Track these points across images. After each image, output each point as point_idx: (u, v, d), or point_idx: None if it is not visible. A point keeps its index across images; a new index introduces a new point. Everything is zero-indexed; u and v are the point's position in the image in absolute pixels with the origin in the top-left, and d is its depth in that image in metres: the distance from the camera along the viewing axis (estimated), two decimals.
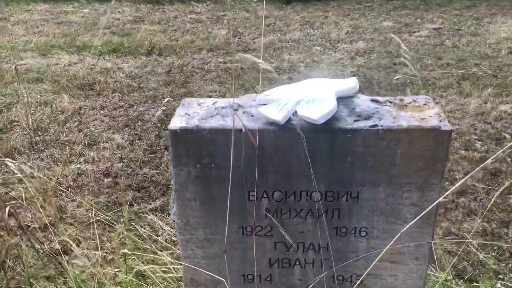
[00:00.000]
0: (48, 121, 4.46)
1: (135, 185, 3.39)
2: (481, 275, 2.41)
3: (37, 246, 2.47)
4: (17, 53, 6.35)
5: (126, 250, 1.76)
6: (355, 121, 1.21)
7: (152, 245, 2.08)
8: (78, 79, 5.47)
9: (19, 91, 5.13)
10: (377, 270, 1.36)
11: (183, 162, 1.25)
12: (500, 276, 2.39)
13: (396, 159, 1.21)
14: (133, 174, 3.53)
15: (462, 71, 5.21)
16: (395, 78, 5.46)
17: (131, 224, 2.32)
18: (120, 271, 1.97)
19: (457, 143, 3.70)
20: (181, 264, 1.96)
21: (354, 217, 1.29)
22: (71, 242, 2.16)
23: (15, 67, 5.24)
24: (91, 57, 6.17)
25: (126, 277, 1.75)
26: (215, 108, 1.27)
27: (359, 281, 1.38)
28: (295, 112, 1.20)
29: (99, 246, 2.21)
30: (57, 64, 5.96)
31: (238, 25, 7.52)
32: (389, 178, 1.23)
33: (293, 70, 5.61)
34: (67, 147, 3.96)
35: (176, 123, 1.22)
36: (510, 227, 2.77)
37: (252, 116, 1.25)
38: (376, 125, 1.19)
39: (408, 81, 5.12)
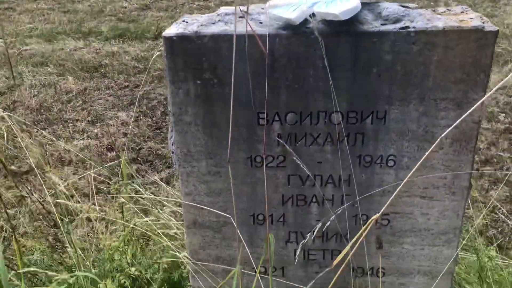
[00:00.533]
0: (52, 100, 4.34)
1: (139, 159, 3.25)
2: None
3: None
4: (22, 39, 6.26)
5: (122, 199, 1.61)
6: (382, 24, 1.03)
7: (152, 203, 1.92)
8: (83, 62, 5.35)
9: (23, 74, 5.03)
10: (406, 208, 1.18)
11: (181, 78, 1.08)
12: None
13: (430, 68, 1.03)
14: (137, 148, 3.38)
15: None
16: None
17: (130, 184, 2.16)
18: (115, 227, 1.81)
19: None
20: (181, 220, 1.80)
21: (380, 143, 1.11)
22: (69, 203, 2.00)
23: (20, 51, 5.12)
24: (97, 42, 6.06)
25: (122, 233, 1.59)
26: (218, 14, 1.10)
27: (383, 218, 1.19)
28: (312, 14, 1.03)
29: (96, 204, 2.06)
30: (62, 49, 5.85)
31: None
32: (422, 93, 1.05)
33: None
34: (70, 125, 3.83)
35: (172, 30, 1.05)
36: None
37: (261, 23, 1.07)
38: (407, 27, 1.01)
39: None
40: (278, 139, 1.13)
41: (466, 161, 1.12)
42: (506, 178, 2.67)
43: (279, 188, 1.19)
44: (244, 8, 1.10)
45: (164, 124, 3.77)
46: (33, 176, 3.06)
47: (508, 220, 2.32)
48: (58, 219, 1.73)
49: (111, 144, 3.43)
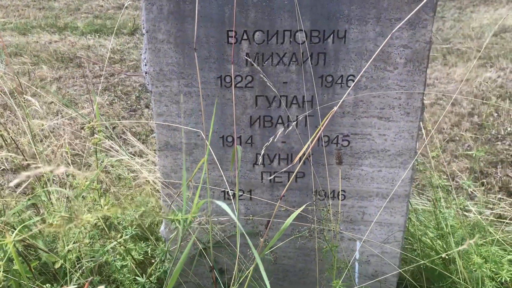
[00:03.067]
0: (26, 86, 4.31)
1: (114, 137, 3.27)
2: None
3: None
4: None
5: (96, 136, 1.64)
6: None
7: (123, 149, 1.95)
8: (58, 53, 5.34)
9: None
10: (365, 128, 1.26)
11: None
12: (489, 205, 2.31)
13: None
14: (112, 127, 3.40)
15: (447, 46, 5.21)
16: None
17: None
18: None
19: (444, 102, 3.66)
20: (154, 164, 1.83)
21: (340, 62, 1.20)
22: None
23: None
24: (72, 36, 6.06)
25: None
26: None
27: (343, 139, 1.27)
28: None
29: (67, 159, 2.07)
30: (37, 42, 5.82)
31: None
32: (378, 13, 1.15)
33: None
34: (44, 107, 3.82)
35: None
36: (498, 167, 2.70)
37: None
38: None
39: None
40: (247, 57, 1.20)
41: (419, 81, 1.21)
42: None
43: (247, 109, 1.26)
44: None
45: (139, 107, 3.80)
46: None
47: (468, 188, 2.44)
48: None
49: (85, 124, 3.45)
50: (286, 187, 1.04)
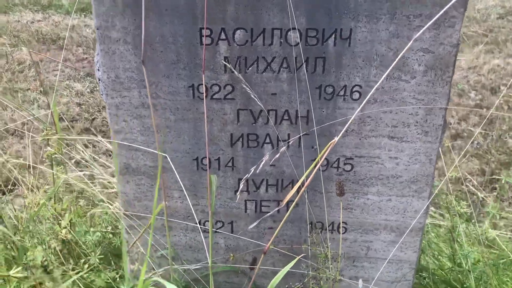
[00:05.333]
0: (1, 70, 4.02)
1: (92, 129, 3.02)
2: (481, 215, 2.11)
3: None
4: None
5: (49, 148, 1.40)
6: None
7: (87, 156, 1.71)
8: (40, 34, 5.02)
9: None
10: (372, 150, 1.02)
11: None
12: (501, 213, 2.09)
13: None
14: (91, 118, 3.14)
15: None
16: None
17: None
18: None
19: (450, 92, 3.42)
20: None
21: (344, 70, 0.95)
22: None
23: None
24: (57, 15, 5.73)
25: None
26: None
27: (346, 163, 1.03)
28: None
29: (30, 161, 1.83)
30: (19, 21, 5.49)
31: None
32: (393, 8, 0.89)
33: None
34: (20, 95, 3.54)
35: None
36: (511, 168, 2.48)
37: None
38: None
39: None
40: (225, 62, 0.94)
41: (442, 94, 0.96)
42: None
43: (227, 125, 1.01)
44: None
45: None
46: None
47: (478, 192, 2.22)
48: None
49: (63, 114, 3.18)
50: (282, 223, 0.80)
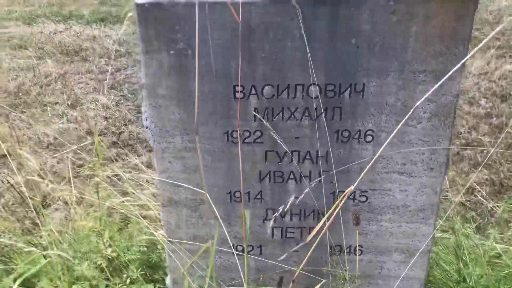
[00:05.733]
0: (30, 84, 4.22)
1: (119, 142, 3.19)
2: (491, 224, 2.23)
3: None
4: (1, 23, 6.08)
5: (97, 179, 1.57)
6: None
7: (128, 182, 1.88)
8: (63, 45, 5.22)
9: (1, 57, 4.90)
10: (385, 184, 1.17)
11: (155, 48, 1.04)
12: (511, 225, 2.21)
13: (409, 40, 1.01)
14: (118, 132, 3.32)
15: None
16: None
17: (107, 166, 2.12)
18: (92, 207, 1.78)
19: (460, 100, 3.52)
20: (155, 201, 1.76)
21: (358, 117, 1.09)
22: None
23: None
24: (78, 25, 5.93)
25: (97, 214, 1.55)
26: None
27: (361, 195, 1.18)
28: None
29: (73, 187, 2.01)
30: (42, 32, 5.70)
31: None
32: (401, 65, 1.03)
33: None
34: (49, 108, 3.74)
35: None
36: None
37: None
38: None
39: None
40: (255, 113, 1.10)
41: (444, 136, 1.10)
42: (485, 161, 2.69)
43: (257, 164, 1.17)
44: None
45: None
46: (10, 160, 2.99)
47: (486, 202, 2.34)
48: (29, 199, 1.68)
49: (91, 128, 3.37)
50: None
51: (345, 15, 0.99)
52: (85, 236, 1.48)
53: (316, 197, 1.18)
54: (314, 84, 1.06)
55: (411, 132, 1.10)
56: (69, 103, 3.82)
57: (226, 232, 1.19)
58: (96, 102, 3.81)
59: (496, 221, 2.22)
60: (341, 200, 0.87)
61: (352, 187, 0.84)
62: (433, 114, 1.08)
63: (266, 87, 1.07)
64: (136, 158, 2.91)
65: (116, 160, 2.92)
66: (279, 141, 1.09)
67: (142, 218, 1.51)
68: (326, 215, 0.88)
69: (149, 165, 2.86)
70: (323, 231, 0.90)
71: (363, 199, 1.19)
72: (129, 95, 3.97)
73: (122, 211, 1.57)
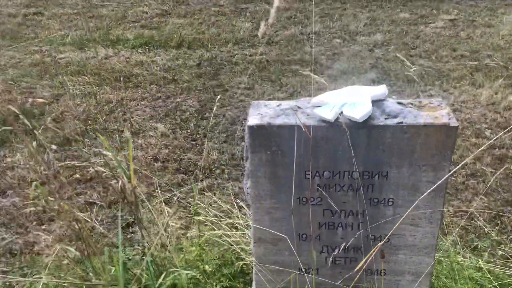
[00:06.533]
0: (95, 111, 4.90)
1: (182, 169, 3.86)
2: (485, 246, 2.82)
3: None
4: (56, 47, 6.79)
5: (200, 218, 2.22)
6: (385, 119, 1.64)
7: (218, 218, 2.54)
8: (116, 71, 5.89)
9: (64, 84, 5.59)
10: (400, 231, 1.80)
11: (257, 150, 1.69)
12: (501, 246, 2.80)
13: (416, 147, 1.63)
14: (179, 159, 3.99)
15: (475, 62, 5.53)
16: (412, 69, 5.72)
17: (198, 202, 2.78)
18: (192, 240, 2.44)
19: (468, 131, 4.08)
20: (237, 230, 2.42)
21: (384, 190, 1.72)
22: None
23: (56, 60, 5.66)
24: (125, 50, 6.59)
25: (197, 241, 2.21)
26: (280, 109, 1.70)
27: (386, 238, 1.82)
28: (341, 112, 1.63)
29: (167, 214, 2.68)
30: (94, 57, 6.39)
31: (260, 18, 7.86)
32: (411, 162, 1.66)
33: (315, 62, 5.97)
34: (116, 135, 4.42)
35: (253, 121, 1.66)
36: None
37: (308, 115, 1.68)
38: (401, 122, 1.61)
39: (424, 72, 5.48)
40: (318, 187, 1.74)
41: (439, 203, 1.73)
42: (485, 190, 3.27)
43: (317, 217, 1.81)
44: (297, 104, 1.70)
45: (199, 136, 4.35)
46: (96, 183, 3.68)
47: (484, 227, 2.94)
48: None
49: (156, 155, 4.04)
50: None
51: (376, 134, 1.62)
52: (194, 257, 2.15)
53: (357, 239, 1.83)
54: (356, 171, 1.70)
55: (418, 199, 1.73)
56: (132, 130, 4.50)
57: (299, 260, 1.84)
58: (155, 130, 4.48)
59: (491, 243, 2.81)
60: (375, 249, 1.51)
61: (382, 242, 1.48)
62: (431, 190, 1.71)
63: (325, 172, 1.72)
64: (197, 184, 3.57)
65: (182, 185, 3.59)
66: (332, 204, 1.73)
67: (235, 246, 2.17)
68: (368, 255, 1.51)
69: (210, 189, 3.51)
70: (365, 264, 1.54)
71: (387, 240, 1.83)
72: (182, 123, 4.63)
73: (215, 239, 2.23)
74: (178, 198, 3.35)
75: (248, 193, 1.80)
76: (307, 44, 6.66)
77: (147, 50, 6.71)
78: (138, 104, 5.13)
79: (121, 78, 5.70)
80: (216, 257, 2.25)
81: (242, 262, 2.11)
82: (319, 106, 1.68)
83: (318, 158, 1.69)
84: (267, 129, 1.65)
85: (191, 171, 3.82)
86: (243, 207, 2.84)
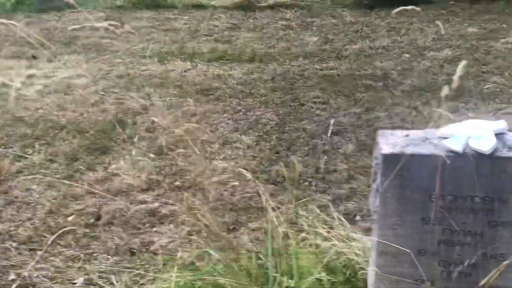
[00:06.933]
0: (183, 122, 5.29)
1: (270, 179, 4.16)
2: None
3: None
4: (138, 60, 7.29)
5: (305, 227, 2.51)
6: (507, 151, 1.86)
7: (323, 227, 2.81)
8: (196, 84, 6.28)
9: (151, 95, 6.03)
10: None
11: (388, 174, 1.95)
12: None
13: None
14: (267, 170, 4.29)
15: None
16: (486, 87, 5.80)
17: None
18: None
19: None
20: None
21: (503, 214, 1.94)
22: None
23: (140, 72, 6.12)
24: (201, 64, 6.98)
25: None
26: (410, 139, 1.96)
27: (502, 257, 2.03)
28: (467, 144, 1.87)
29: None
30: (174, 70, 6.82)
31: (327, 32, 8.09)
32: None
33: (387, 77, 6.14)
34: (206, 146, 4.78)
35: (386, 149, 1.93)
36: None
37: (435, 145, 1.92)
38: None
39: (498, 90, 5.54)
40: (441, 209, 1.98)
41: None
42: None
43: (437, 235, 2.05)
44: (425, 136, 1.95)
45: (281, 148, 4.65)
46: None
47: None
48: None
49: (245, 165, 4.37)
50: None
51: (498, 164, 1.85)
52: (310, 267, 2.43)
53: (473, 256, 2.04)
54: (477, 196, 1.92)
55: None
56: (221, 141, 4.86)
57: (421, 271, 2.08)
58: (241, 142, 4.81)
59: None
60: (500, 268, 1.73)
61: (505, 262, 1.70)
62: None
63: (449, 196, 1.95)
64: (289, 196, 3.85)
65: (273, 195, 3.89)
66: (453, 224, 1.96)
67: (354, 256, 2.44)
68: (492, 274, 1.73)
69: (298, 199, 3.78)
70: (487, 282, 1.76)
71: (502, 258, 2.04)
72: (264, 136, 4.95)
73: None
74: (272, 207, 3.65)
75: (375, 211, 2.05)
76: (377, 58, 6.82)
77: (222, 63, 7.07)
78: (221, 117, 5.46)
79: (201, 91, 6.04)
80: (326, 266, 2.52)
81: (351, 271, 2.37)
82: (445, 138, 1.92)
83: (443, 183, 1.93)
84: (399, 158, 1.91)
85: (280, 182, 4.11)
86: (337, 219, 3.09)
